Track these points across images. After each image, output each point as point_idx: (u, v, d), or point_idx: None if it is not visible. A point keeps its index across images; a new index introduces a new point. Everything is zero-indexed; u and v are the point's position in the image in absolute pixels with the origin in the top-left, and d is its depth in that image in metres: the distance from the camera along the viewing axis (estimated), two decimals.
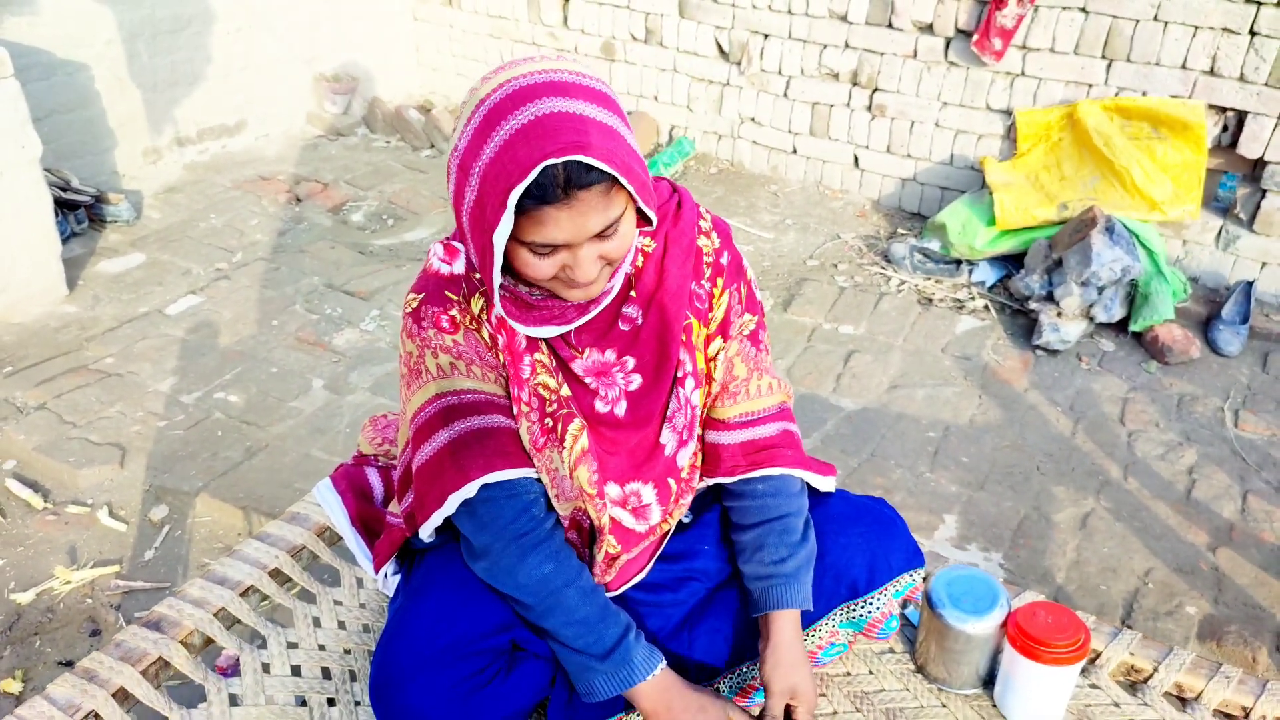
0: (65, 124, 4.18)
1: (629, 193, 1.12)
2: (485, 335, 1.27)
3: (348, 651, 1.50)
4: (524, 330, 1.25)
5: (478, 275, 1.26)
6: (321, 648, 1.49)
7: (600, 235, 1.12)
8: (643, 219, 1.22)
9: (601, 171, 1.06)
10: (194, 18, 4.57)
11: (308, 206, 4.51)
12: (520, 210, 1.07)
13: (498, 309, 1.20)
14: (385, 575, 1.51)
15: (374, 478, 1.66)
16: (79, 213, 4.08)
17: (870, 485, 2.81)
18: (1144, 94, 3.74)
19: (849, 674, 1.50)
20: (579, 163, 1.04)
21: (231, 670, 1.45)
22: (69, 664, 2.26)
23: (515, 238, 1.11)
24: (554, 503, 1.33)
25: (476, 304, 1.26)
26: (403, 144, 5.26)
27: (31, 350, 3.34)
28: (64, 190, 4.03)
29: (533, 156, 1.03)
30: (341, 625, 1.54)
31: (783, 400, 1.44)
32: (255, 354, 3.37)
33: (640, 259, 1.31)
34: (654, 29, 4.82)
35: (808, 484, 1.45)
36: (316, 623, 1.52)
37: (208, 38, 4.67)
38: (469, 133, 1.10)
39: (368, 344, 3.45)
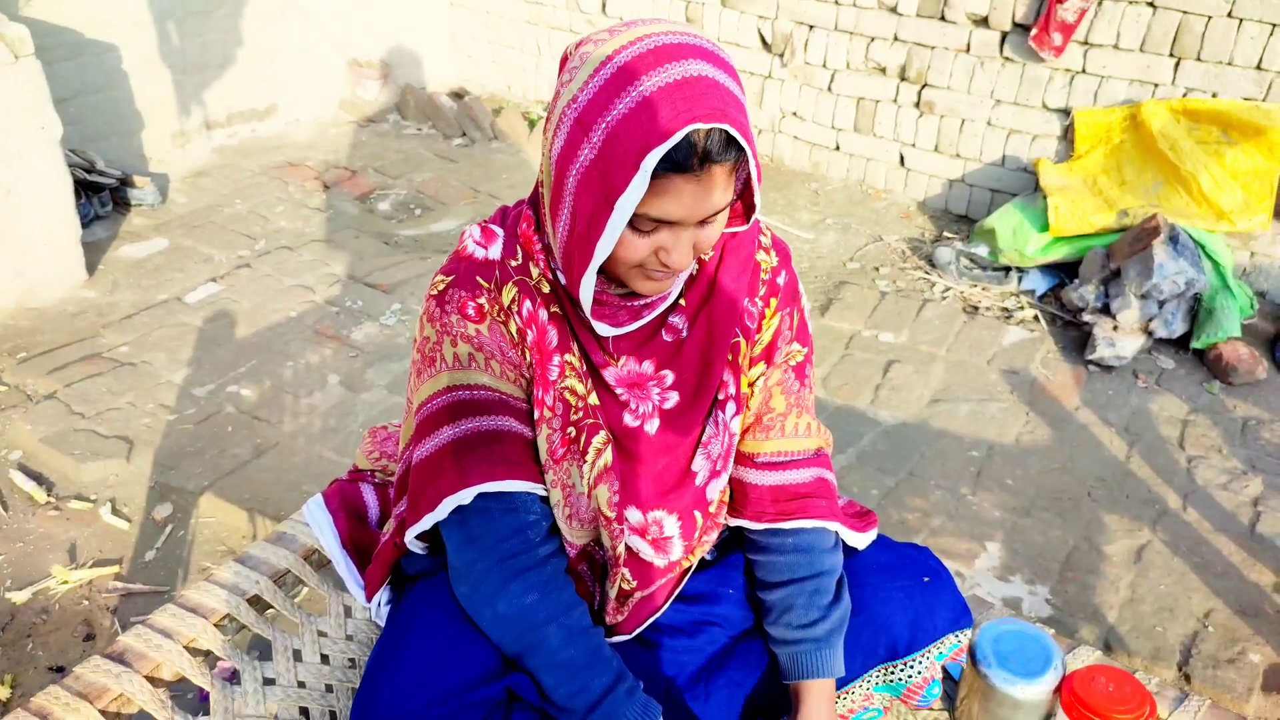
0: (92, 105, 4.11)
1: (744, 179, 1.05)
2: (513, 330, 1.14)
3: (330, 689, 1.38)
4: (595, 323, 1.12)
5: (514, 264, 1.14)
6: (301, 684, 1.36)
7: (704, 219, 1.03)
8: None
9: (736, 147, 0.97)
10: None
11: (335, 194, 4.40)
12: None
13: (586, 290, 1.04)
14: (379, 604, 1.39)
15: (369, 496, 1.54)
16: (103, 195, 4.01)
17: (907, 507, 2.64)
18: (1214, 95, 3.52)
19: None
20: (722, 133, 0.96)
21: (202, 706, 1.33)
22: (60, 669, 2.17)
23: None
24: (565, 526, 1.19)
25: (508, 294, 1.13)
26: (434, 131, 5.14)
27: (46, 336, 3.27)
28: (89, 172, 3.96)
29: (679, 118, 0.93)
30: (325, 659, 1.41)
31: (820, 446, 1.29)
32: (271, 346, 3.27)
33: (695, 266, 1.18)
34: (694, 18, 4.65)
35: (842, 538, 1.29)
36: (297, 656, 1.39)
37: (239, 20, 4.58)
38: (594, 86, 0.97)
39: (386, 339, 3.33)
